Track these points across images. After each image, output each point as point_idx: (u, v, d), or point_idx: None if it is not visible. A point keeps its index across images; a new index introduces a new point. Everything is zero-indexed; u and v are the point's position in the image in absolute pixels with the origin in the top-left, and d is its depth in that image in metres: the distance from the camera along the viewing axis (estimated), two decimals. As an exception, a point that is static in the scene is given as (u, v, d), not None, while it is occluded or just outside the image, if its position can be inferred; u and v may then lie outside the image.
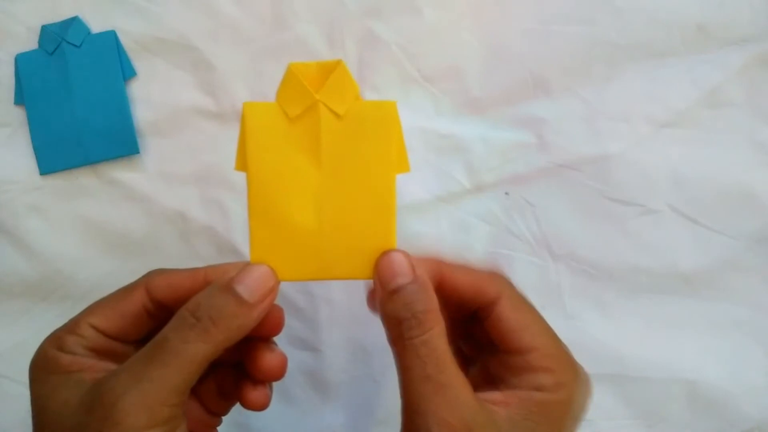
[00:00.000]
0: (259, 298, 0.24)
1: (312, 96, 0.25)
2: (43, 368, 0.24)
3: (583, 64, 0.37)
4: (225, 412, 0.28)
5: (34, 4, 0.38)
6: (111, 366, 0.24)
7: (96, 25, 0.38)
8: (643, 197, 0.37)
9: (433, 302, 0.24)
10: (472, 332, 0.26)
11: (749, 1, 0.37)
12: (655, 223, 0.37)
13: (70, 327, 0.25)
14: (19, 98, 0.38)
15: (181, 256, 0.37)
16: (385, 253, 0.25)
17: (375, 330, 0.37)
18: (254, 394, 0.27)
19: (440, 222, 0.38)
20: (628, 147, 0.37)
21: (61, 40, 0.37)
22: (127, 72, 0.38)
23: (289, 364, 0.39)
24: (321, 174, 0.25)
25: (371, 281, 0.26)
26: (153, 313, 0.26)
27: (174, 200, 0.38)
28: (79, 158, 0.38)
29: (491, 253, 0.38)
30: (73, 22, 0.37)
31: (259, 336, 0.26)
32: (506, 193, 0.38)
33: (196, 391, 0.25)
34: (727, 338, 0.38)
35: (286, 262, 0.25)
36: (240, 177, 0.38)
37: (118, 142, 0.37)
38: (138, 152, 0.38)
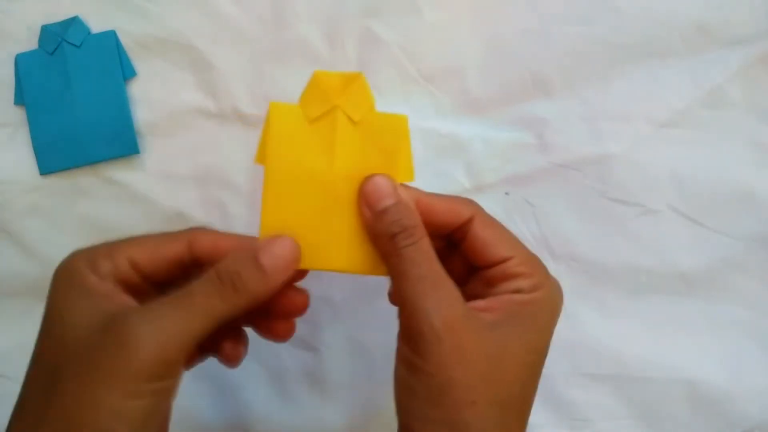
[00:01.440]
0: (280, 270, 0.26)
1: (331, 102, 0.28)
2: (69, 280, 0.26)
3: (583, 64, 0.37)
4: (194, 363, 0.29)
5: (34, 4, 0.38)
6: (131, 301, 0.26)
7: (96, 25, 0.38)
8: (643, 197, 0.37)
9: (418, 218, 0.26)
10: (452, 267, 0.28)
11: (749, 1, 0.37)
12: (655, 223, 0.37)
13: (107, 252, 0.26)
14: (19, 98, 0.38)
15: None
16: (369, 177, 0.27)
17: (375, 330, 0.38)
18: (281, 325, 0.29)
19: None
20: (628, 147, 0.37)
21: (61, 40, 0.37)
22: (127, 72, 0.38)
23: (289, 364, 0.39)
24: (332, 174, 0.27)
25: (384, 278, 0.27)
26: (186, 265, 0.27)
27: (174, 200, 0.38)
28: (79, 158, 0.38)
29: (491, 253, 0.38)
30: (73, 22, 0.37)
31: (283, 315, 0.28)
32: (506, 193, 0.38)
33: None
34: (727, 338, 0.38)
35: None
36: (240, 177, 0.38)
37: (118, 142, 0.37)
38: (138, 152, 0.38)
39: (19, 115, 0.38)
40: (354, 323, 0.38)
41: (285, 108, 0.28)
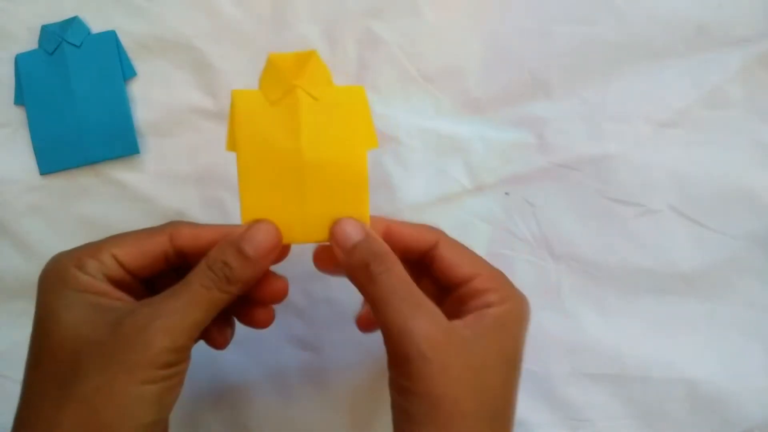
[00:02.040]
0: (263, 255, 0.27)
1: (290, 82, 0.28)
2: (61, 281, 0.26)
3: (583, 64, 0.37)
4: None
5: (34, 4, 0.38)
6: (126, 297, 0.27)
7: (96, 25, 0.38)
8: (643, 197, 0.37)
9: (387, 247, 0.28)
10: (425, 291, 0.28)
11: (749, 1, 0.37)
12: (655, 223, 0.37)
13: (91, 251, 0.27)
14: (19, 98, 0.38)
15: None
16: (337, 222, 0.28)
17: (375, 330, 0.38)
18: (262, 312, 0.30)
19: (440, 222, 0.37)
20: (628, 147, 0.37)
21: (61, 40, 0.37)
22: (127, 72, 0.38)
23: (289, 364, 0.39)
24: (301, 150, 0.28)
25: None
26: (170, 258, 0.29)
27: (174, 200, 0.38)
28: (79, 158, 0.38)
29: (491, 253, 0.38)
30: (73, 22, 0.37)
31: (264, 301, 0.30)
32: (506, 193, 0.38)
33: None
34: (727, 338, 0.38)
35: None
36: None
37: (119, 142, 0.37)
38: (138, 152, 0.38)
39: (19, 115, 0.38)
40: (354, 323, 0.38)
41: (248, 93, 0.28)
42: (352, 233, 0.28)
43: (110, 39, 0.37)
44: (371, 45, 0.37)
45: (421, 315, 0.26)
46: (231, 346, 0.38)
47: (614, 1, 0.37)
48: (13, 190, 0.38)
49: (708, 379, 0.37)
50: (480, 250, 0.38)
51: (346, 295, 0.38)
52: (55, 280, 0.26)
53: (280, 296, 0.30)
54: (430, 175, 0.38)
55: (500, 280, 0.29)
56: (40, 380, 0.26)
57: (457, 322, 0.27)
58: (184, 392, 0.39)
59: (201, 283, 0.26)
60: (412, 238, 0.30)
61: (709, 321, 0.38)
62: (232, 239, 0.27)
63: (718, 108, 0.37)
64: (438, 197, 0.38)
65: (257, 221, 0.28)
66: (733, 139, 0.37)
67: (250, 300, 0.30)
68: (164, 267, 0.29)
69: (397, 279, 0.27)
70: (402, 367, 0.26)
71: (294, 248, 0.37)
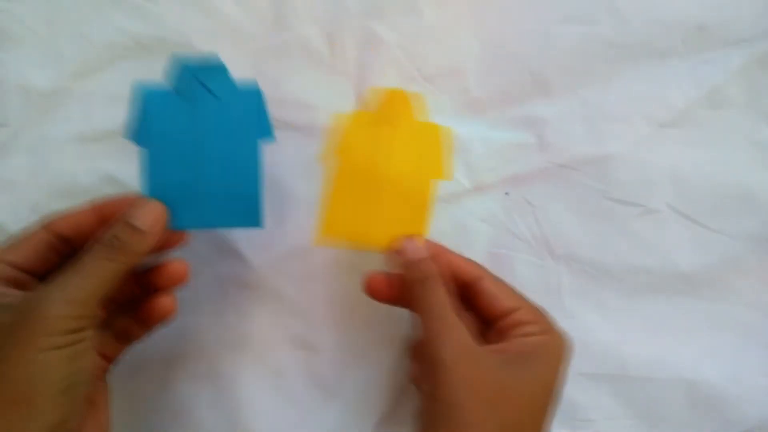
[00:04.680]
0: (150, 226, 0.30)
1: (397, 112, 0.33)
2: None
3: (583, 64, 0.37)
4: (118, 354, 0.33)
5: (34, 4, 0.38)
6: (21, 291, 0.29)
7: (96, 25, 0.38)
8: (643, 197, 0.37)
9: (436, 271, 0.31)
10: (468, 323, 0.32)
11: (749, 1, 0.37)
12: (655, 223, 0.37)
13: None
14: (138, 136, 0.32)
15: (182, 256, 0.37)
16: (409, 238, 0.32)
17: (375, 330, 0.38)
18: (163, 301, 0.32)
19: (440, 222, 0.38)
20: (628, 147, 0.37)
21: (200, 86, 0.32)
22: (265, 133, 0.32)
23: (290, 364, 0.39)
24: (389, 170, 0.33)
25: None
26: (59, 249, 0.31)
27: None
28: (196, 221, 0.32)
29: (491, 253, 0.38)
30: (214, 65, 0.32)
31: (164, 284, 0.33)
32: (506, 193, 0.38)
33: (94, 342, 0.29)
34: (727, 338, 0.38)
35: (347, 226, 0.33)
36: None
37: (241, 211, 0.32)
38: (261, 226, 0.33)
39: (19, 115, 0.38)
40: (354, 323, 0.38)
41: (348, 116, 0.33)
42: (420, 250, 0.32)
43: (255, 97, 0.32)
44: (371, 45, 0.37)
45: (452, 331, 0.29)
46: (231, 345, 0.38)
47: (614, 1, 0.37)
48: (13, 190, 0.38)
49: (708, 379, 0.37)
50: (480, 250, 0.38)
51: (347, 295, 0.38)
52: None
53: (181, 277, 0.33)
54: (430, 175, 0.38)
55: (540, 314, 0.32)
56: None
57: (488, 346, 0.30)
58: (184, 392, 0.39)
59: (91, 256, 0.28)
60: (459, 267, 0.32)
61: (709, 321, 0.38)
62: (121, 217, 0.30)
63: (718, 108, 0.37)
64: (438, 197, 0.38)
65: (147, 200, 0.31)
66: (733, 139, 0.37)
67: (151, 290, 0.32)
68: (57, 259, 0.31)
69: (440, 298, 0.30)
70: (429, 373, 0.29)
71: (294, 249, 0.37)
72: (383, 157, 0.33)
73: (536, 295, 0.37)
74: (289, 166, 0.38)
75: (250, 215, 0.33)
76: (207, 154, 0.32)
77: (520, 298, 0.32)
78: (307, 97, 0.38)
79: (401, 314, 0.34)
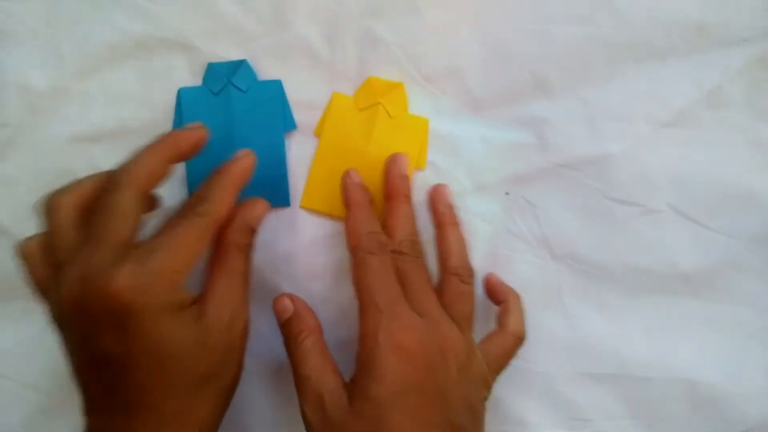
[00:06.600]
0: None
1: (377, 99, 0.37)
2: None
3: (583, 64, 0.37)
4: None
5: (34, 4, 0.38)
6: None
7: (96, 25, 0.38)
8: (643, 197, 0.37)
9: (304, 326, 0.34)
10: None
11: (749, 1, 0.37)
12: (655, 223, 0.37)
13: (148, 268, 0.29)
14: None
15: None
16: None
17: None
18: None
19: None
20: (628, 147, 0.37)
21: (227, 81, 0.37)
22: (288, 124, 0.37)
23: (290, 364, 0.39)
24: (367, 151, 0.37)
25: None
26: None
27: (173, 200, 0.38)
28: None
29: (491, 253, 0.38)
30: (242, 66, 0.37)
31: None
32: (506, 193, 0.38)
33: None
34: (727, 338, 0.38)
35: (326, 200, 0.37)
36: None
37: (270, 193, 0.36)
38: (289, 205, 0.37)
39: (19, 115, 0.38)
40: (354, 323, 0.38)
41: (343, 98, 0.37)
42: (286, 311, 0.34)
43: (276, 88, 0.37)
44: (371, 45, 0.37)
45: (311, 392, 0.32)
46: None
47: (614, 1, 0.37)
48: (14, 189, 0.38)
49: (708, 379, 0.37)
50: (480, 250, 0.38)
51: (347, 295, 0.38)
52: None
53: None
54: (430, 175, 0.38)
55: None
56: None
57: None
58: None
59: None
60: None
61: (709, 321, 0.38)
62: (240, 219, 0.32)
63: (718, 108, 0.37)
64: (438, 197, 0.38)
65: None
66: (733, 139, 0.37)
67: None
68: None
69: (304, 354, 0.34)
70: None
71: (294, 248, 0.37)
72: (362, 141, 0.37)
73: (536, 295, 0.38)
74: (289, 166, 0.38)
75: (279, 195, 0.37)
76: (238, 142, 0.37)
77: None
78: (307, 97, 0.38)
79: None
